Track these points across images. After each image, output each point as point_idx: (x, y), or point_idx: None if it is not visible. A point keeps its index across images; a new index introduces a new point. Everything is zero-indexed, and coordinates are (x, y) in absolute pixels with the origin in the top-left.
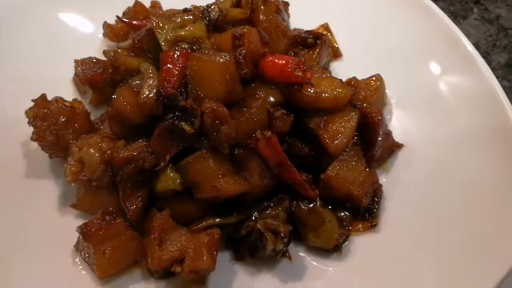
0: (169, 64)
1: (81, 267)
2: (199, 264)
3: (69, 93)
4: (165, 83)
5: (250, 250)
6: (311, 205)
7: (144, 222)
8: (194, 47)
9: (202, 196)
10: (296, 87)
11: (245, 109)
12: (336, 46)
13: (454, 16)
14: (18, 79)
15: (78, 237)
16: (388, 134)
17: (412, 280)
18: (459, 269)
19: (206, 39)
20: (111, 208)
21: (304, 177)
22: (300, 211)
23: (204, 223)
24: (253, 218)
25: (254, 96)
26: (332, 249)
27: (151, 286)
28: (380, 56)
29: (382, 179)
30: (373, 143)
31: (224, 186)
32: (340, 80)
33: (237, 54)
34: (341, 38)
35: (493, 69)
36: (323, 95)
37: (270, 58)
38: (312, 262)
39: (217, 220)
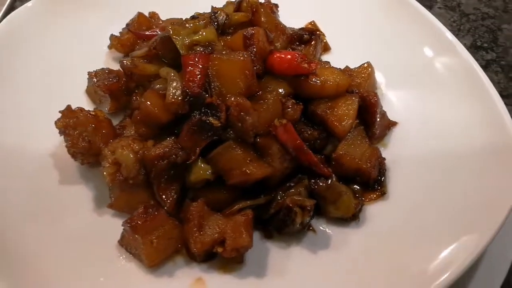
0: (191, 66)
1: (127, 260)
2: (239, 241)
3: (83, 104)
4: (190, 83)
5: (279, 227)
6: (329, 181)
7: (180, 213)
8: (208, 50)
9: (233, 182)
10: (303, 78)
11: (261, 101)
12: (325, 40)
13: None
14: (31, 93)
15: (122, 233)
16: (384, 114)
17: (423, 234)
18: (461, 215)
19: (218, 42)
20: (152, 202)
21: (317, 158)
22: (319, 188)
23: (237, 206)
24: (279, 198)
25: (266, 89)
26: (350, 218)
27: (195, 269)
28: (366, 47)
29: (383, 154)
30: (373, 122)
31: (253, 170)
32: (339, 69)
33: (249, 52)
34: (327, 33)
35: None
36: (328, 83)
37: (277, 54)
38: (334, 232)
39: (248, 202)
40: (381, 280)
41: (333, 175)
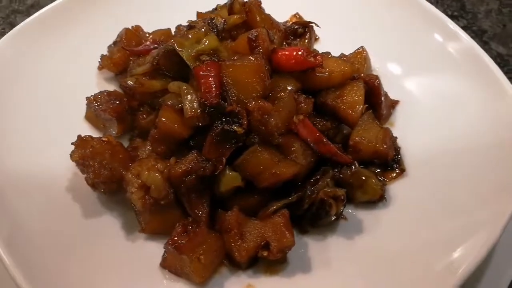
0: (205, 77)
1: (173, 280)
2: (284, 242)
3: (85, 131)
4: (208, 94)
5: (312, 221)
6: (352, 168)
7: (214, 225)
8: (215, 58)
9: (264, 185)
10: (309, 71)
11: (276, 101)
12: None
13: None
14: (28, 128)
15: (163, 255)
16: (386, 94)
17: (449, 206)
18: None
19: (222, 48)
20: (190, 219)
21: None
22: (345, 176)
23: (271, 208)
24: (309, 193)
25: (277, 88)
26: (378, 199)
27: (242, 277)
28: (353, 32)
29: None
30: (379, 104)
31: (282, 170)
32: (340, 57)
33: (257, 54)
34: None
35: None
36: (334, 73)
37: (282, 52)
38: (364, 216)
39: (282, 202)
40: (419, 255)
41: (355, 161)
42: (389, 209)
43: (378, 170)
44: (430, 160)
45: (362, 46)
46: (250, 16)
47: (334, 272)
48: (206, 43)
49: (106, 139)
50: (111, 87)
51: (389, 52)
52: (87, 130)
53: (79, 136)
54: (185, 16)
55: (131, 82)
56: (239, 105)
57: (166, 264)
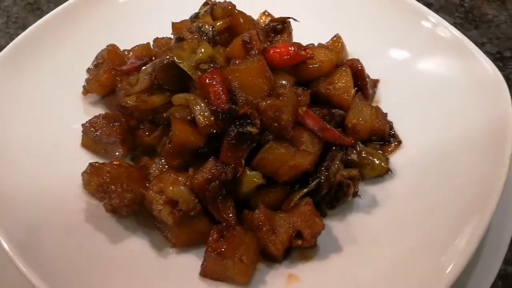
0: (211, 86)
1: (216, 285)
2: (315, 227)
3: (85, 159)
4: (218, 101)
5: (331, 204)
6: (357, 148)
7: (242, 225)
8: (213, 65)
9: (285, 179)
10: (302, 64)
11: (280, 97)
12: None
13: None
14: (22, 166)
15: (202, 264)
16: (368, 75)
17: (449, 170)
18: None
19: (217, 54)
20: (223, 224)
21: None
22: (352, 157)
23: (295, 199)
24: (324, 178)
25: (276, 84)
26: (384, 173)
27: (281, 269)
28: (326, 20)
29: None
30: (365, 85)
31: (299, 161)
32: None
33: (253, 55)
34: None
35: None
36: (323, 63)
37: (273, 50)
38: (374, 190)
39: (304, 191)
40: (433, 212)
41: (358, 141)
42: (396, 178)
43: (378, 145)
44: (422, 130)
45: (337, 34)
46: (233, 19)
47: (361, 246)
48: (202, 52)
49: (117, 163)
50: (98, 110)
51: (362, 39)
52: (86, 158)
53: (91, 164)
54: (159, 28)
55: (131, 102)
56: (249, 107)
57: (206, 273)
